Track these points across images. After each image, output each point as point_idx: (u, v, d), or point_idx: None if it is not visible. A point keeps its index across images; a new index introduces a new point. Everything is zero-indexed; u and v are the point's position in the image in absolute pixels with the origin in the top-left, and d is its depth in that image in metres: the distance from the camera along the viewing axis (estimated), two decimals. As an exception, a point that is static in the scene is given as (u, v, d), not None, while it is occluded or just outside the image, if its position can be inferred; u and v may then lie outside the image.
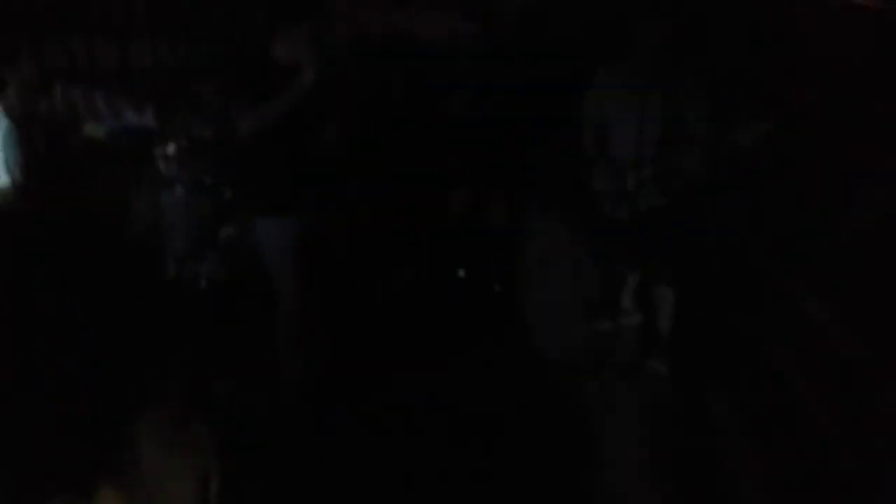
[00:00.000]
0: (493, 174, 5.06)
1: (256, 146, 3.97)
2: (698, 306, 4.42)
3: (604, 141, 4.32)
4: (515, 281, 5.07)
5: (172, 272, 4.77)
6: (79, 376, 3.81)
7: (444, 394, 4.06)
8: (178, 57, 5.44)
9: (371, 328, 4.57)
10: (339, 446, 3.70)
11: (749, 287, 4.42)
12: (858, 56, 4.00)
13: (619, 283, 4.68)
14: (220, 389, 4.04)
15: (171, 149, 4.84)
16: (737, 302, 4.42)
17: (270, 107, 3.73)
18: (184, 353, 4.28)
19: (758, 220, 4.50)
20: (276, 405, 4.00)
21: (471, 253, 5.11)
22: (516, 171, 5.02)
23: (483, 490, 3.42)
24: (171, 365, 4.15)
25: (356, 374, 4.17)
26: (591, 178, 4.36)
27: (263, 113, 3.74)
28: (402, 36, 5.49)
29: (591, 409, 4.05)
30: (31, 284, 4.10)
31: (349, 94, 4.84)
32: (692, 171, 4.07)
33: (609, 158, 4.28)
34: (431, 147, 5.12)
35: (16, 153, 4.11)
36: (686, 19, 4.30)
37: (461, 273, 5.07)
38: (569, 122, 4.49)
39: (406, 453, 3.66)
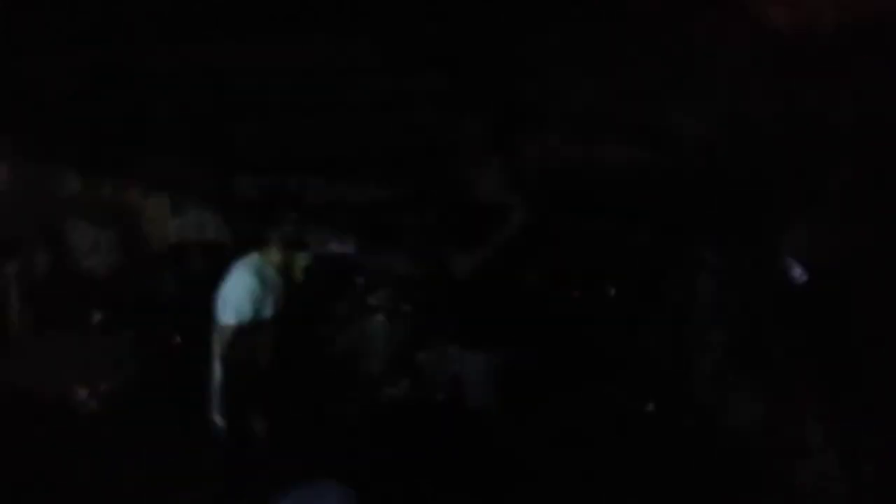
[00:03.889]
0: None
1: (465, 282, 4.15)
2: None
3: None
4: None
5: (369, 393, 4.94)
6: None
7: None
8: (386, 193, 5.72)
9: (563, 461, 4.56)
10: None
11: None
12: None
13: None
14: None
15: (375, 279, 5.10)
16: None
17: (484, 249, 3.92)
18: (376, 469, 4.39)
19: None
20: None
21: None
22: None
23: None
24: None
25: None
26: None
27: (478, 255, 3.93)
28: (587, 168, 5.60)
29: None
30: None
31: (547, 233, 4.98)
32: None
33: None
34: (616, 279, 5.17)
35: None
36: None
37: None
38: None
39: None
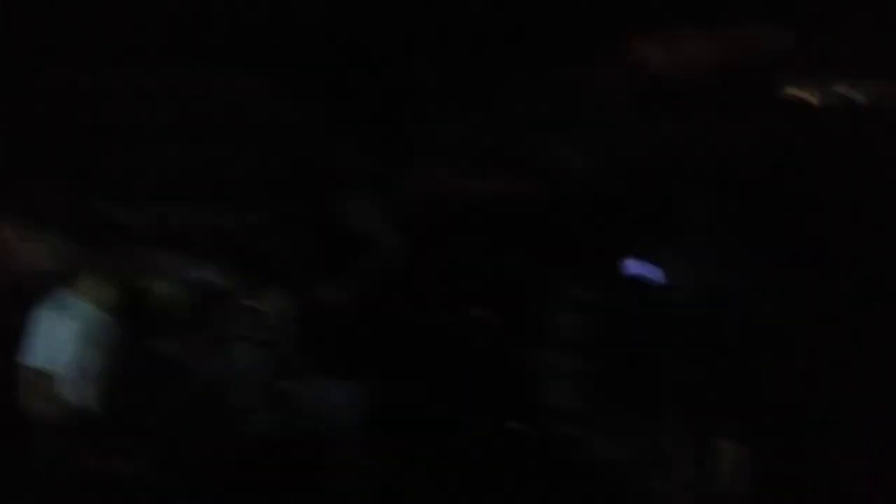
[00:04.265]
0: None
1: (329, 312, 4.13)
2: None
3: None
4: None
5: (233, 425, 4.80)
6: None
7: None
8: (255, 219, 5.62)
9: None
10: None
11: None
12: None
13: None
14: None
15: (236, 308, 4.98)
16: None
17: (353, 278, 3.91)
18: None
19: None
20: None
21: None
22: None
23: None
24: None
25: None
26: None
27: (346, 284, 3.91)
28: (466, 200, 5.67)
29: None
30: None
31: (422, 262, 5.00)
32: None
33: None
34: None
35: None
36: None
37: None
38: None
39: None
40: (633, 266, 4.70)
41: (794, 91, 5.13)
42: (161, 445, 4.47)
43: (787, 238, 4.57)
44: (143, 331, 4.64)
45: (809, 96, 5.08)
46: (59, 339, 3.70)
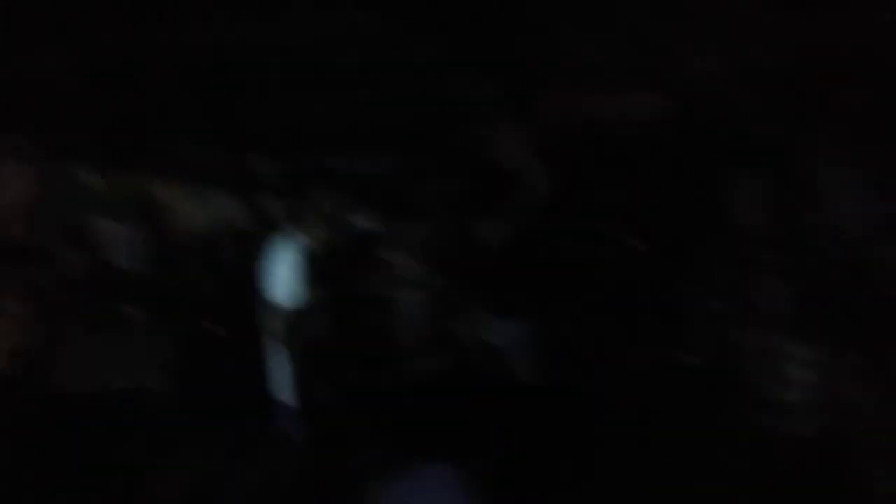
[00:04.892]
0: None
1: (490, 250, 4.17)
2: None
3: None
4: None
5: (403, 367, 4.97)
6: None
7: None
8: (406, 164, 5.69)
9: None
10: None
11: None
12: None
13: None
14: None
15: (395, 252, 5.10)
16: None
17: (504, 214, 3.93)
18: (411, 446, 4.44)
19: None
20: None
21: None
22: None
23: None
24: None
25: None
26: None
27: (500, 223, 3.94)
28: (605, 122, 5.57)
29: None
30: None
31: (571, 192, 4.97)
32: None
33: None
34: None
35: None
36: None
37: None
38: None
39: None
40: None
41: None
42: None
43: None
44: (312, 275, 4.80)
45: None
46: (277, 278, 3.95)
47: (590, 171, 5.37)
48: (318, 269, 5.17)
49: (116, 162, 5.16)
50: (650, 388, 4.52)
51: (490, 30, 5.33)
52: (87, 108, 5.05)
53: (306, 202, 5.37)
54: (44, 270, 4.45)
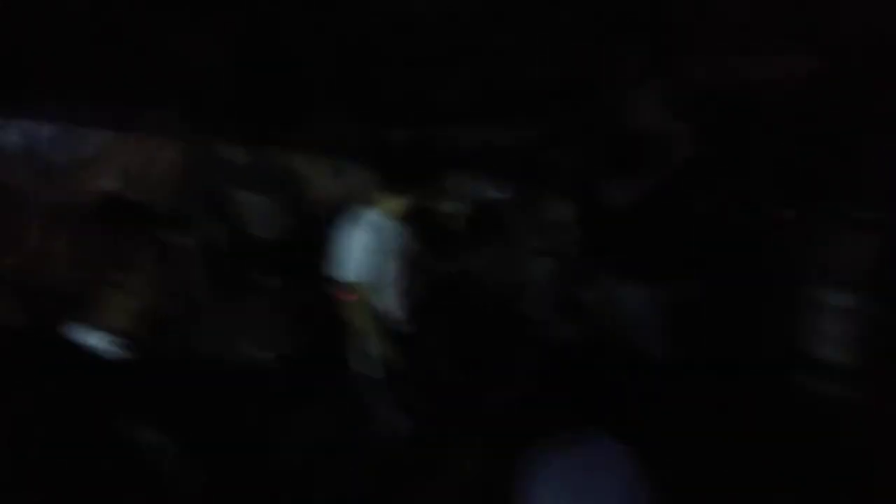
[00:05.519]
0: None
1: (626, 216, 4.05)
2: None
3: None
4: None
5: (535, 333, 4.93)
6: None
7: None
8: (537, 130, 5.62)
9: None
10: None
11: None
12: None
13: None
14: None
15: (525, 220, 5.05)
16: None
17: (645, 182, 3.80)
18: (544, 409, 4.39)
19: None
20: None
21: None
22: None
23: None
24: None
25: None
26: None
27: (639, 189, 3.81)
28: (747, 86, 5.31)
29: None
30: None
31: (712, 160, 4.78)
32: None
33: None
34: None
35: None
36: None
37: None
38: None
39: None
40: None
41: None
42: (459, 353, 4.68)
43: None
44: (438, 248, 4.82)
45: None
46: (362, 252, 3.86)
47: (733, 136, 5.14)
48: (449, 240, 5.22)
49: (257, 136, 5.35)
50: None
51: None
52: (230, 85, 5.25)
53: (441, 174, 5.40)
54: (185, 237, 4.67)
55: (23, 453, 1.78)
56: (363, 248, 3.85)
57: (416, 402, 3.95)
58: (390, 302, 3.97)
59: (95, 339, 1.93)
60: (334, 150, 5.61)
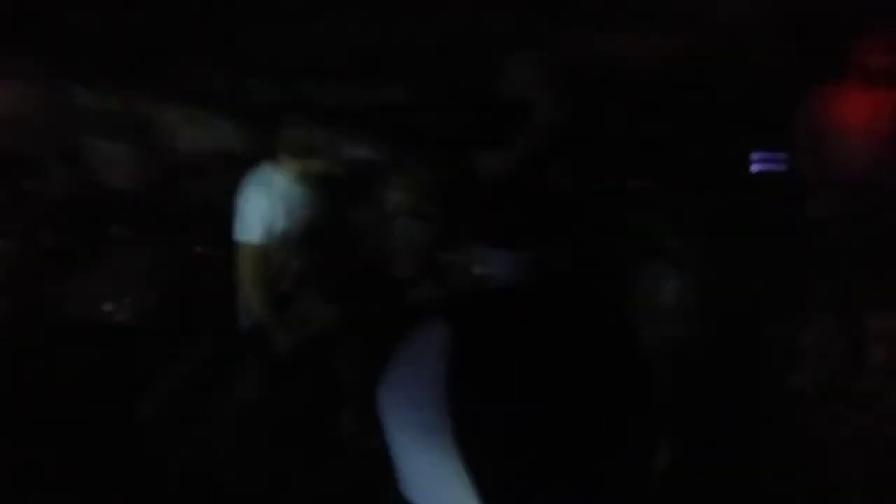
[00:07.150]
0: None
1: (488, 182, 4.10)
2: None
3: None
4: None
5: (394, 296, 4.95)
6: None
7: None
8: (407, 93, 5.60)
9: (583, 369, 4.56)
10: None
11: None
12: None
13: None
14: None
15: (394, 182, 5.05)
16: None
17: (512, 149, 3.85)
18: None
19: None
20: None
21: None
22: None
23: None
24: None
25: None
26: None
27: (504, 156, 3.86)
28: (617, 62, 5.43)
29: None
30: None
31: (576, 129, 4.88)
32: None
33: None
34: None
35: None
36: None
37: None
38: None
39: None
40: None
41: None
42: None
43: None
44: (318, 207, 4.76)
45: None
46: (260, 211, 3.88)
47: (600, 109, 5.27)
48: (314, 198, 5.15)
49: (114, 82, 5.12)
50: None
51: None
52: (86, 29, 5.01)
53: (305, 130, 5.31)
54: (36, 184, 4.46)
55: None
56: (256, 206, 3.86)
57: (286, 362, 3.94)
58: (278, 260, 3.98)
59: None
60: (199, 102, 5.43)
